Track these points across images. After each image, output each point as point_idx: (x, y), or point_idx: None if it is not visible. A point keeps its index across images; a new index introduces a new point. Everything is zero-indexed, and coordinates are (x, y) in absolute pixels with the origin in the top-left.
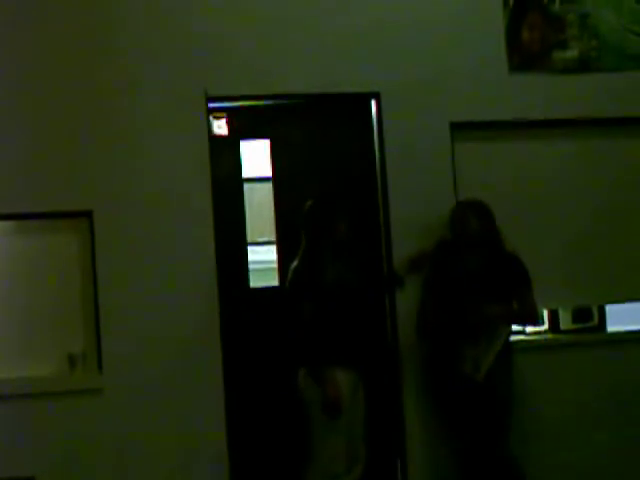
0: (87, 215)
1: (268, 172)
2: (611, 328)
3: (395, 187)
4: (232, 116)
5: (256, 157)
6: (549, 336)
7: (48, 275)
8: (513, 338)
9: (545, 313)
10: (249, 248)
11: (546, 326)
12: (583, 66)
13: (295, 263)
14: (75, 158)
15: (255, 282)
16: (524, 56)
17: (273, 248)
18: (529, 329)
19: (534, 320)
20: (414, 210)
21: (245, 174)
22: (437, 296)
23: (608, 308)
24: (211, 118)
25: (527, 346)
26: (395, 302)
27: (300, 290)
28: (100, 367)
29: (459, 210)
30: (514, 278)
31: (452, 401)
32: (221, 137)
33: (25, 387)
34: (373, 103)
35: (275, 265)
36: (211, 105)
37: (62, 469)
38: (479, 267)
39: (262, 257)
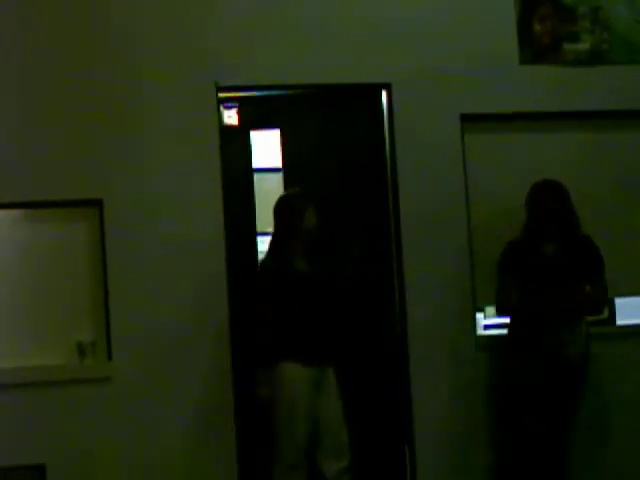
0: (97, 204)
1: (277, 162)
2: (620, 321)
3: (405, 178)
4: (242, 106)
5: (266, 147)
6: None
7: (58, 264)
8: None
9: None
10: (258, 238)
11: None
12: (594, 59)
13: (263, 257)
14: (85, 147)
15: None
16: (535, 48)
17: None
18: None
19: (603, 305)
20: (424, 202)
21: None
22: (516, 279)
23: (617, 301)
24: (221, 108)
25: None
26: (404, 290)
27: (260, 284)
28: (109, 356)
29: (540, 190)
30: (588, 262)
31: (534, 384)
32: (231, 127)
33: (35, 375)
34: (384, 94)
35: None
36: (222, 95)
37: (72, 457)
38: (556, 251)
39: None
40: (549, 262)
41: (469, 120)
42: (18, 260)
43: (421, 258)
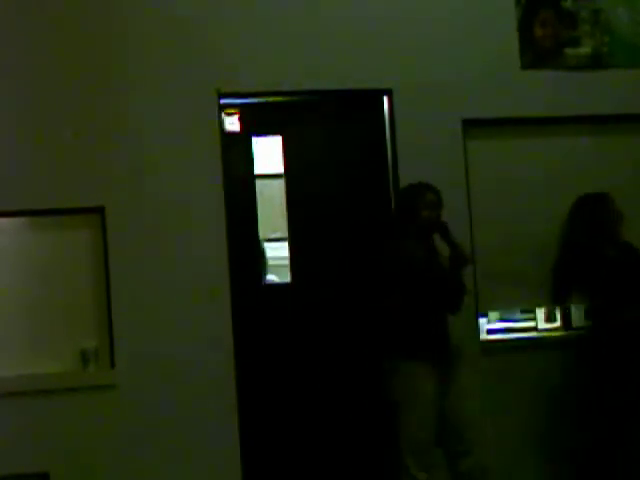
0: (99, 211)
1: (278, 169)
2: None
3: (407, 184)
4: (244, 112)
5: (267, 153)
6: (561, 333)
7: (61, 271)
8: (524, 335)
9: (557, 310)
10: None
11: (559, 323)
12: (596, 62)
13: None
14: (87, 155)
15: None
16: (536, 53)
17: (285, 245)
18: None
19: None
20: None
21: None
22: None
23: None
24: (223, 114)
25: (539, 343)
26: None
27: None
28: (113, 363)
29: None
30: None
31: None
32: (233, 133)
33: (38, 383)
34: (385, 100)
35: (287, 262)
36: (223, 101)
37: (76, 465)
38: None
39: (274, 254)
40: (616, 265)
41: (471, 125)
42: (21, 268)
43: None
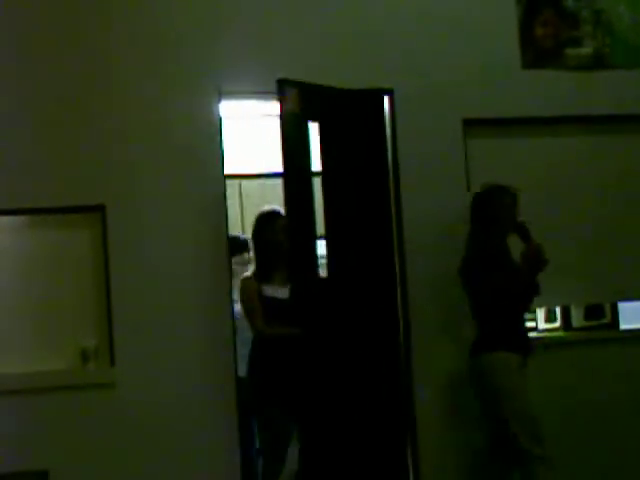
0: (99, 209)
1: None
2: (624, 326)
3: (408, 184)
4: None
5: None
6: (561, 333)
7: (61, 270)
8: None
9: (558, 310)
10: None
11: (559, 323)
12: (597, 63)
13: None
14: (88, 153)
15: None
16: (537, 53)
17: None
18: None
19: None
20: (426, 206)
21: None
22: None
23: (621, 305)
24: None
25: (539, 343)
26: (407, 295)
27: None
28: (113, 362)
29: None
30: None
31: None
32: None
33: (38, 381)
34: (386, 100)
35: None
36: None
37: (75, 463)
38: None
39: None
40: None
41: (471, 125)
42: (21, 266)
43: (424, 263)
